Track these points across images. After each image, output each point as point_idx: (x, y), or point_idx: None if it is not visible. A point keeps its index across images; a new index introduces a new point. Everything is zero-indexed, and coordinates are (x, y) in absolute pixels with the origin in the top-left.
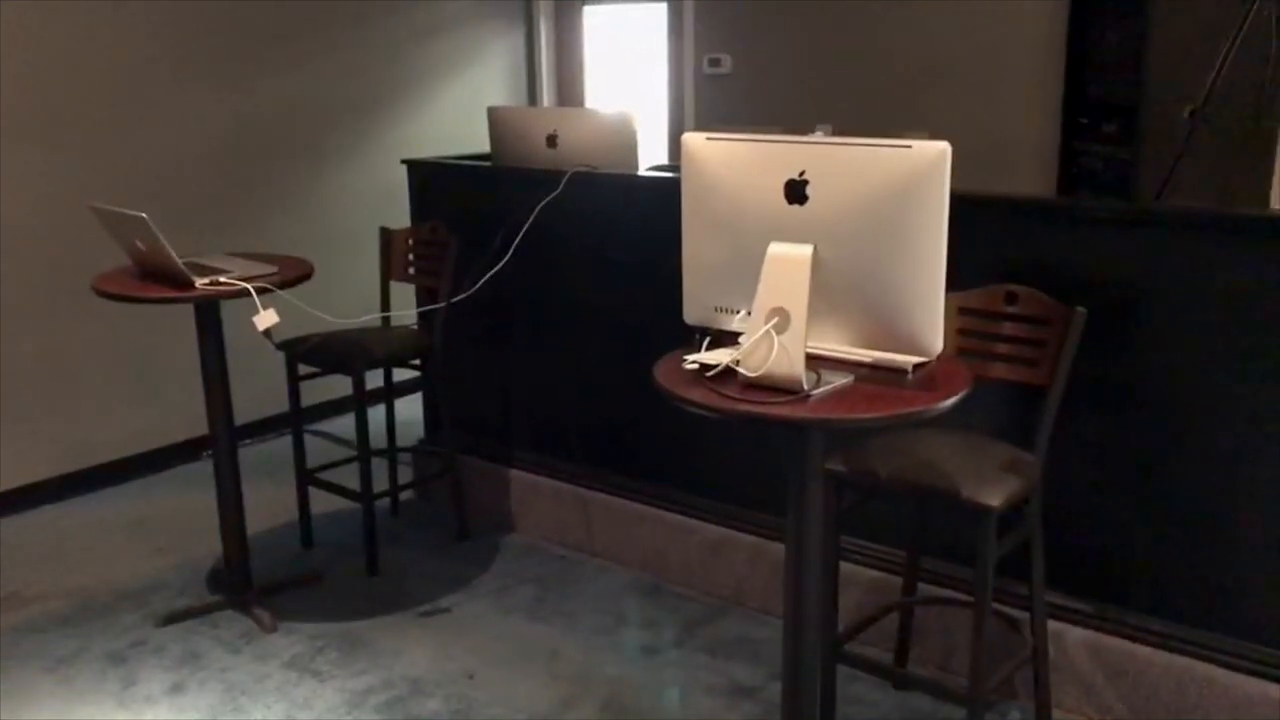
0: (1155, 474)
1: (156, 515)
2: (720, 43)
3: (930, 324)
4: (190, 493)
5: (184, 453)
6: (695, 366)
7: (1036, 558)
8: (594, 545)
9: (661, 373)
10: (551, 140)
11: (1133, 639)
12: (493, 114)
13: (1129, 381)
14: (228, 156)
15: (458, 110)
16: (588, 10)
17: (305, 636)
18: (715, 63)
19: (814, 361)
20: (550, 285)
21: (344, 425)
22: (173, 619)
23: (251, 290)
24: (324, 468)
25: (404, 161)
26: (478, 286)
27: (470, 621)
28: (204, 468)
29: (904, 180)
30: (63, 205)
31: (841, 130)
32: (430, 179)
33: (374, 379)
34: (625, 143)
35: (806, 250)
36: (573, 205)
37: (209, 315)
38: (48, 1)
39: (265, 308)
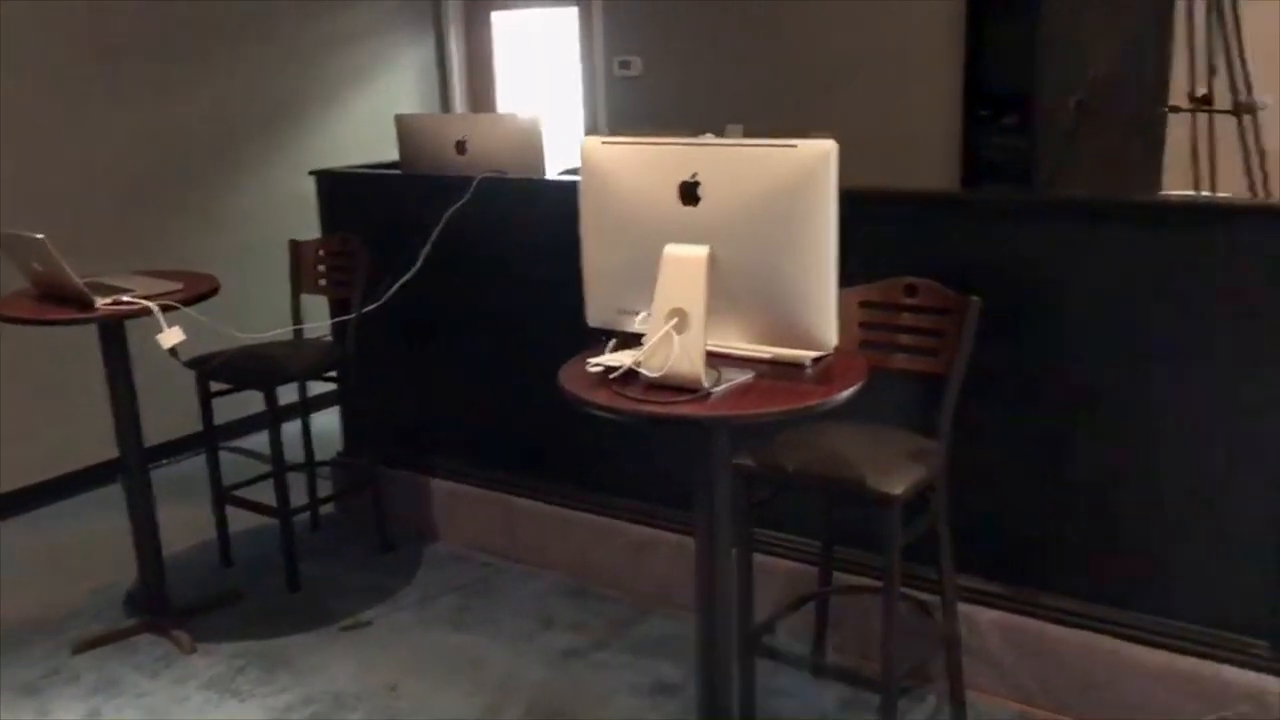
0: (1060, 456)
1: (70, 541)
2: (630, 45)
3: (824, 319)
4: (106, 516)
5: (98, 476)
6: (599, 369)
7: (945, 543)
8: (518, 551)
9: (566, 376)
10: (460, 146)
11: (1042, 618)
12: (400, 121)
13: (1032, 367)
14: (135, 173)
15: (370, 119)
16: (496, 15)
17: (225, 656)
18: (625, 65)
19: (715, 360)
20: (463, 292)
21: (262, 441)
22: (87, 646)
23: (154, 308)
24: (240, 485)
25: (312, 172)
26: (387, 296)
27: (393, 634)
28: (119, 491)
29: (791, 179)
30: None
31: (752, 130)
32: (338, 189)
33: (290, 393)
34: (533, 147)
35: (702, 251)
36: (483, 211)
37: (113, 336)
38: None
39: (170, 325)
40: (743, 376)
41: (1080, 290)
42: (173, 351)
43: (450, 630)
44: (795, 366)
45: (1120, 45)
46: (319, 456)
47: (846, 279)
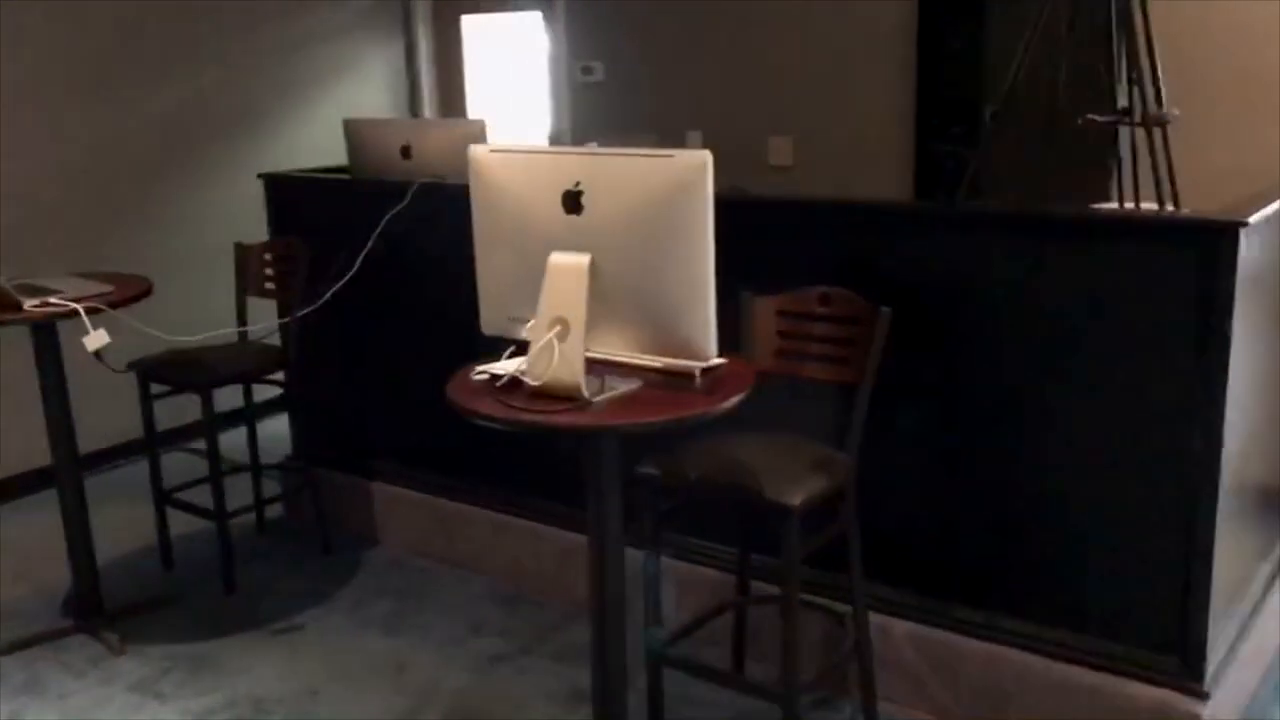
0: (971, 468)
1: (12, 543)
2: (593, 50)
3: (702, 328)
4: (50, 518)
5: (43, 478)
6: (486, 377)
7: (854, 553)
8: (454, 556)
9: (454, 384)
10: (405, 151)
11: (953, 630)
12: (348, 126)
13: (946, 377)
14: (88, 175)
15: (336, 122)
16: (466, 19)
17: (154, 658)
18: (588, 70)
19: (607, 369)
20: (404, 296)
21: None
22: (17, 646)
23: (80, 310)
24: (182, 487)
25: (260, 176)
26: (323, 300)
27: (323, 637)
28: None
29: (668, 189)
30: None
31: (711, 135)
32: (285, 193)
33: (237, 397)
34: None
35: (584, 260)
36: (421, 216)
37: (45, 338)
38: None
39: (96, 328)
40: (628, 386)
41: (988, 301)
42: (97, 354)
43: (380, 634)
44: (686, 377)
45: (1049, 57)
46: (276, 459)
47: (766, 288)
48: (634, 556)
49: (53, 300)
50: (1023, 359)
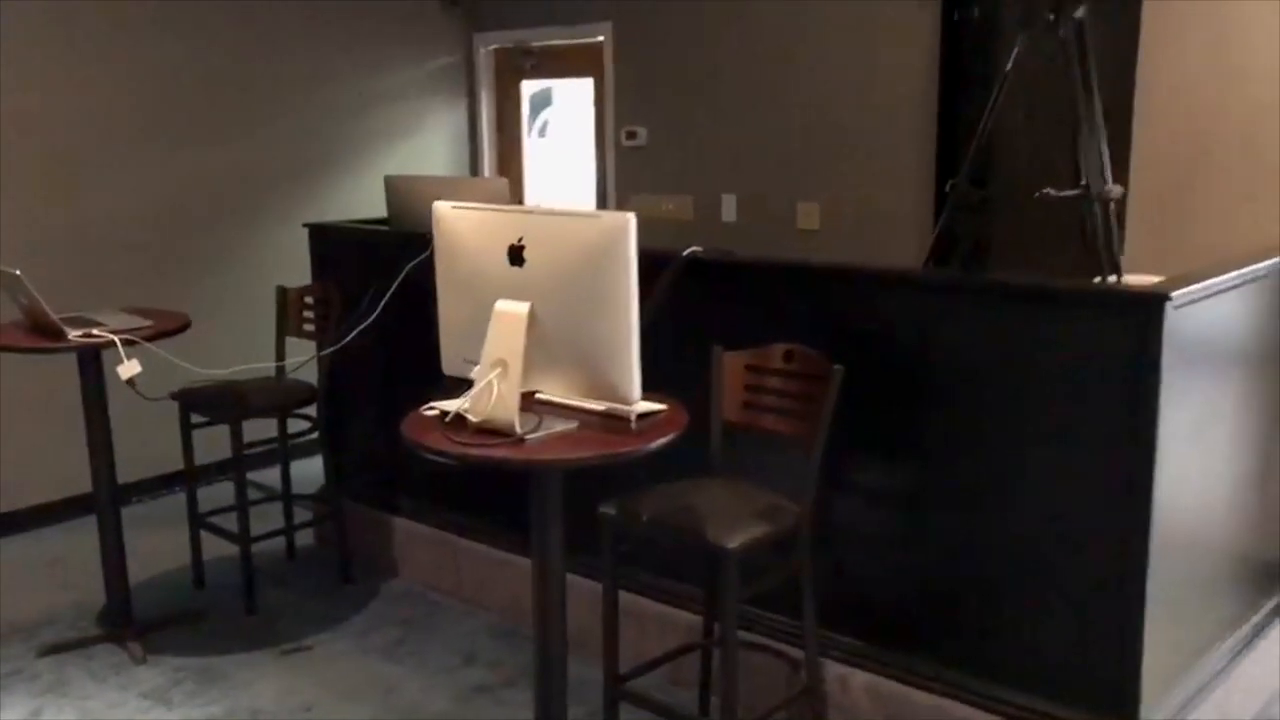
0: (930, 524)
1: (72, 556)
2: (637, 116)
3: (626, 374)
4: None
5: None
6: (435, 413)
7: (807, 600)
8: (463, 590)
9: (409, 420)
10: None
11: (909, 684)
12: (388, 182)
13: (908, 435)
14: (157, 219)
15: (406, 173)
16: (525, 84)
17: (169, 669)
18: (632, 135)
19: (552, 409)
20: (425, 340)
21: (270, 475)
22: (52, 650)
23: (117, 341)
24: (216, 512)
25: (305, 225)
26: (346, 340)
27: (328, 659)
28: (130, 512)
29: (596, 246)
30: None
31: (745, 199)
32: (327, 241)
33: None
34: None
35: (523, 307)
36: None
37: (89, 367)
38: None
39: (130, 359)
40: (565, 425)
41: (948, 362)
42: (130, 383)
43: (380, 660)
44: (624, 420)
45: (986, 131)
46: (313, 490)
47: (743, 343)
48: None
49: (94, 332)
50: (977, 419)
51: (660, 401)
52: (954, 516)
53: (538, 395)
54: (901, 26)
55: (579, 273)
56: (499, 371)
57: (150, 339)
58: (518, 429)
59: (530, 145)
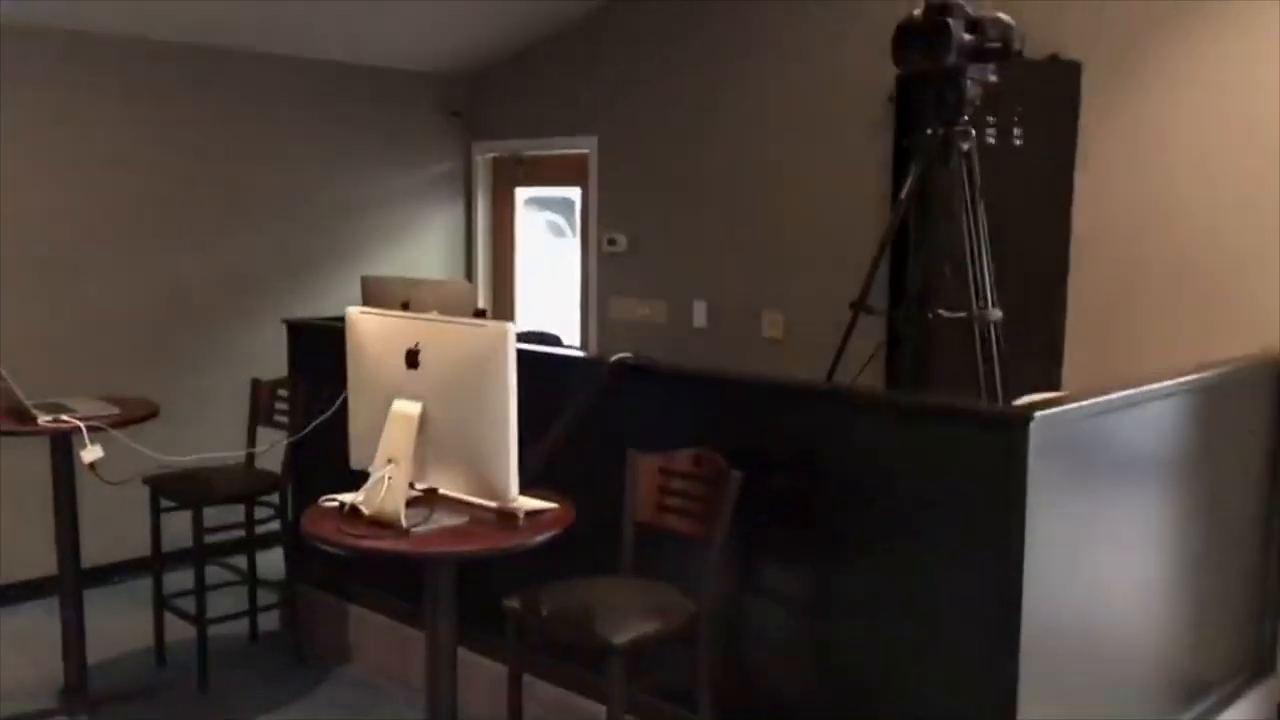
0: (827, 626)
1: (46, 633)
2: (618, 223)
3: (504, 473)
4: (89, 614)
5: (94, 577)
6: (335, 504)
7: (702, 694)
8: (409, 678)
9: (310, 512)
10: (405, 305)
11: None
12: (364, 281)
13: (810, 539)
14: (163, 312)
15: (401, 274)
16: (520, 191)
17: None
18: (613, 241)
19: (446, 504)
20: None
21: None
22: None
23: (82, 427)
24: (182, 594)
25: (283, 321)
26: (305, 432)
27: None
28: (111, 592)
29: (479, 353)
30: None
31: (715, 305)
32: (303, 336)
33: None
34: (465, 309)
35: (416, 407)
36: None
37: (60, 449)
38: None
39: (94, 444)
40: (454, 519)
41: (833, 470)
42: (92, 466)
43: None
44: (513, 516)
45: (881, 255)
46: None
47: (658, 445)
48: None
49: (63, 417)
50: (868, 527)
51: (556, 500)
52: (848, 620)
53: (441, 491)
54: (858, 151)
55: (464, 377)
56: (391, 466)
57: (116, 426)
58: (403, 522)
59: (526, 247)
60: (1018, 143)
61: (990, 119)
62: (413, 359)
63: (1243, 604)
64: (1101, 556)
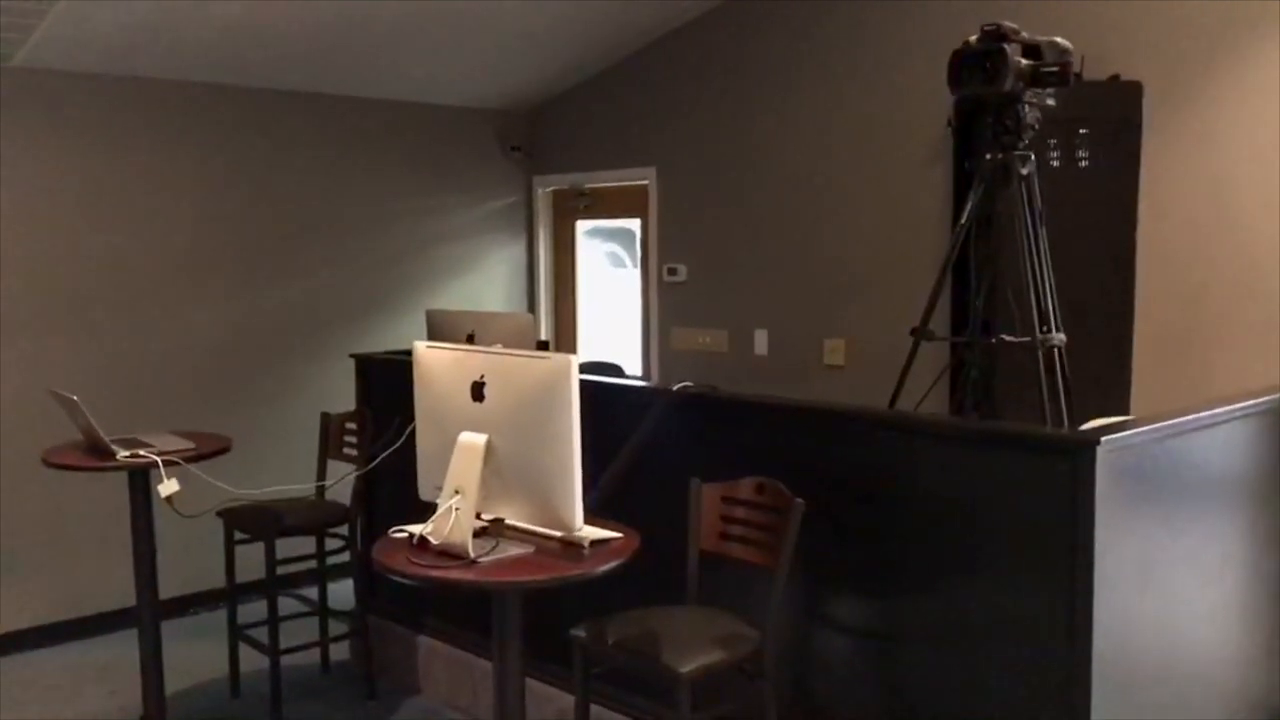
0: (894, 656)
1: (126, 663)
2: (679, 254)
3: (568, 504)
4: (166, 645)
5: (171, 608)
6: (405, 535)
7: None
8: (478, 710)
9: (380, 541)
10: (470, 338)
11: None
12: (429, 315)
13: (876, 568)
14: (224, 349)
15: (465, 308)
16: (580, 223)
17: None
18: (673, 271)
19: (512, 534)
20: None
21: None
22: None
23: (159, 461)
24: (255, 625)
25: (351, 355)
26: (371, 465)
27: None
28: (188, 623)
29: (543, 385)
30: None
31: (776, 334)
32: (370, 370)
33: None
34: (526, 340)
35: (481, 439)
36: None
37: (138, 484)
38: (44, 214)
39: (170, 478)
40: (520, 549)
41: (898, 498)
42: (169, 500)
43: None
44: (578, 546)
45: (943, 283)
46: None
47: (719, 474)
48: None
49: (140, 452)
50: (934, 557)
51: (621, 530)
52: (914, 651)
53: (507, 521)
54: (918, 176)
55: (529, 408)
56: (458, 498)
57: (191, 460)
58: (470, 552)
59: (587, 278)
60: (1083, 164)
61: (1051, 141)
62: (478, 391)
63: None
64: (1174, 582)
